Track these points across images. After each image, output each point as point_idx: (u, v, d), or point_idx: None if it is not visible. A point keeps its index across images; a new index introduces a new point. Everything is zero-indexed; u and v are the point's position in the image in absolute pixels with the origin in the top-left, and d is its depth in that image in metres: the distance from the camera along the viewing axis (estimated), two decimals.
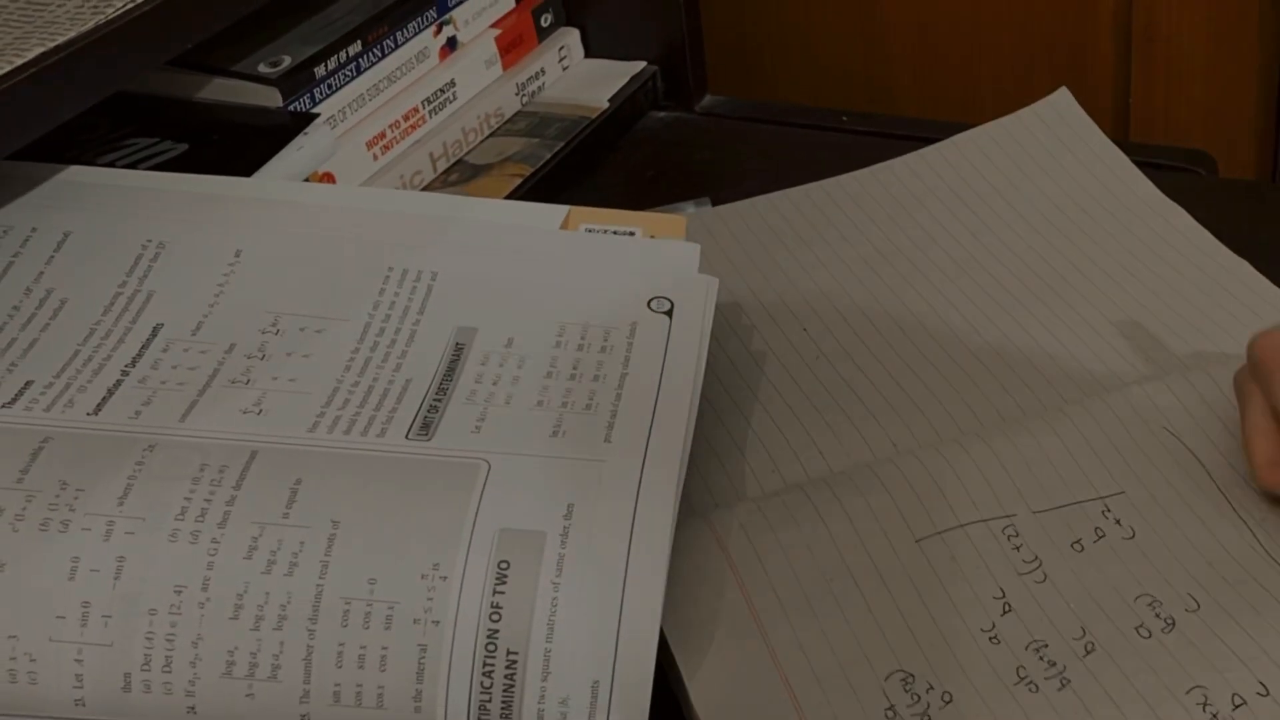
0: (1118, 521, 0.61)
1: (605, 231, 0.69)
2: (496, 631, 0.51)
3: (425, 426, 0.57)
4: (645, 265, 0.67)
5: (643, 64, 0.97)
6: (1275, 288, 0.74)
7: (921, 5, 1.13)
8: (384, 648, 0.51)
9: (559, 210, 0.69)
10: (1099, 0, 1.08)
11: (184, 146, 0.76)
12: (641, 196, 0.86)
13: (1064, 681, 0.55)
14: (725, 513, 0.63)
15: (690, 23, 0.96)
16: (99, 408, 0.57)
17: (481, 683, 0.51)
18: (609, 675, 0.51)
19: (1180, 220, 0.80)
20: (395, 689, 0.51)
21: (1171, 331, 0.72)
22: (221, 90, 0.80)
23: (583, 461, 0.56)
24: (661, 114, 0.97)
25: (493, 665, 0.51)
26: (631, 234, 0.69)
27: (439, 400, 0.59)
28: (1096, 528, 0.60)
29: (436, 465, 0.55)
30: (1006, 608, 0.58)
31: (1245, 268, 0.75)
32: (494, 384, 0.60)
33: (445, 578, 0.52)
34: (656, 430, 0.58)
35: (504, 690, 0.51)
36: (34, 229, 0.66)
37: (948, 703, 0.55)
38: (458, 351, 0.61)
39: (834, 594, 0.59)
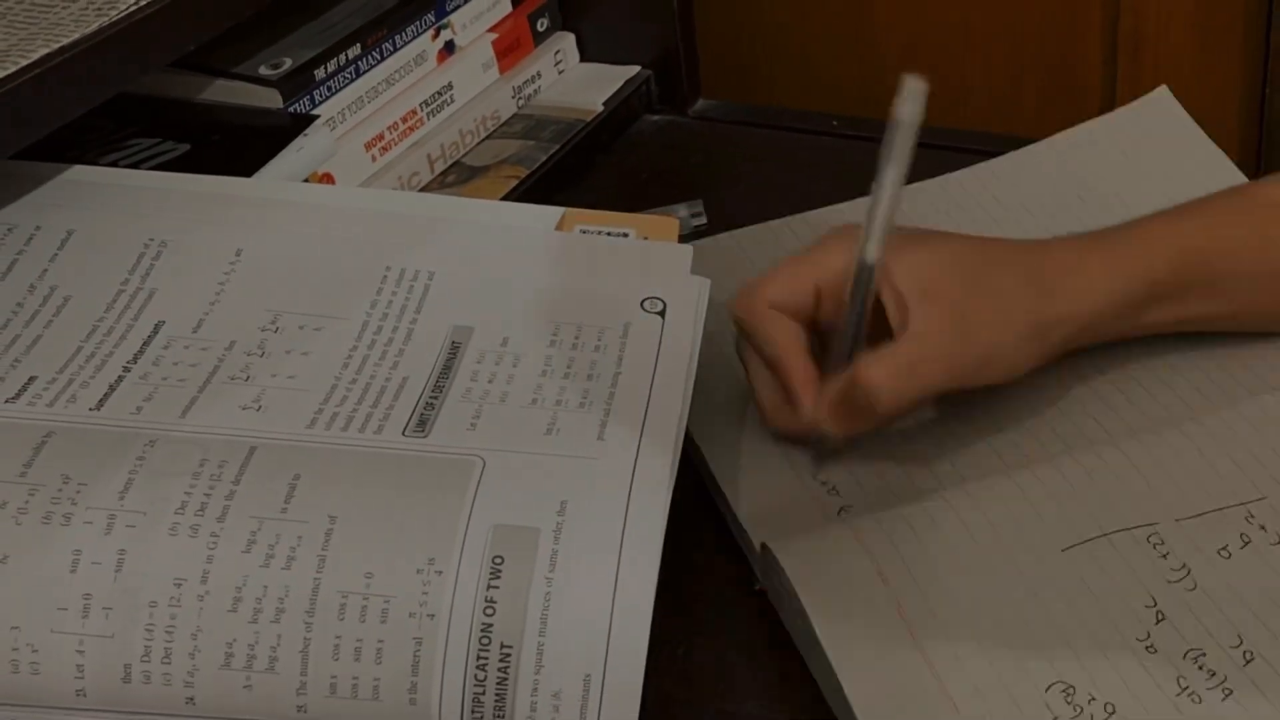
0: (1263, 527, 0.59)
1: (599, 233, 0.69)
2: (490, 626, 0.51)
3: (421, 423, 0.57)
4: (639, 266, 0.67)
5: (637, 68, 0.98)
6: None
7: (912, 11, 1.13)
8: (380, 641, 0.51)
9: (554, 212, 0.70)
10: (1088, 6, 1.08)
11: (186, 147, 0.76)
12: (635, 199, 0.86)
13: (1227, 691, 0.54)
14: (870, 519, 0.62)
15: (684, 28, 0.96)
16: (101, 403, 0.57)
17: (476, 676, 0.51)
18: (600, 670, 0.51)
19: None
20: (391, 681, 0.51)
21: None
22: (223, 92, 0.80)
23: (576, 459, 0.56)
24: (655, 117, 0.98)
25: (486, 659, 0.51)
26: (625, 235, 0.69)
27: (435, 398, 0.59)
28: (1242, 534, 0.59)
29: (432, 462, 0.55)
30: (1159, 616, 0.56)
31: None
32: (489, 382, 0.60)
33: (440, 572, 0.51)
34: (649, 428, 0.58)
35: (497, 683, 0.51)
36: (38, 227, 0.66)
37: (1111, 714, 0.53)
38: (454, 350, 0.61)
39: (986, 604, 0.57)
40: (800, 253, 0.67)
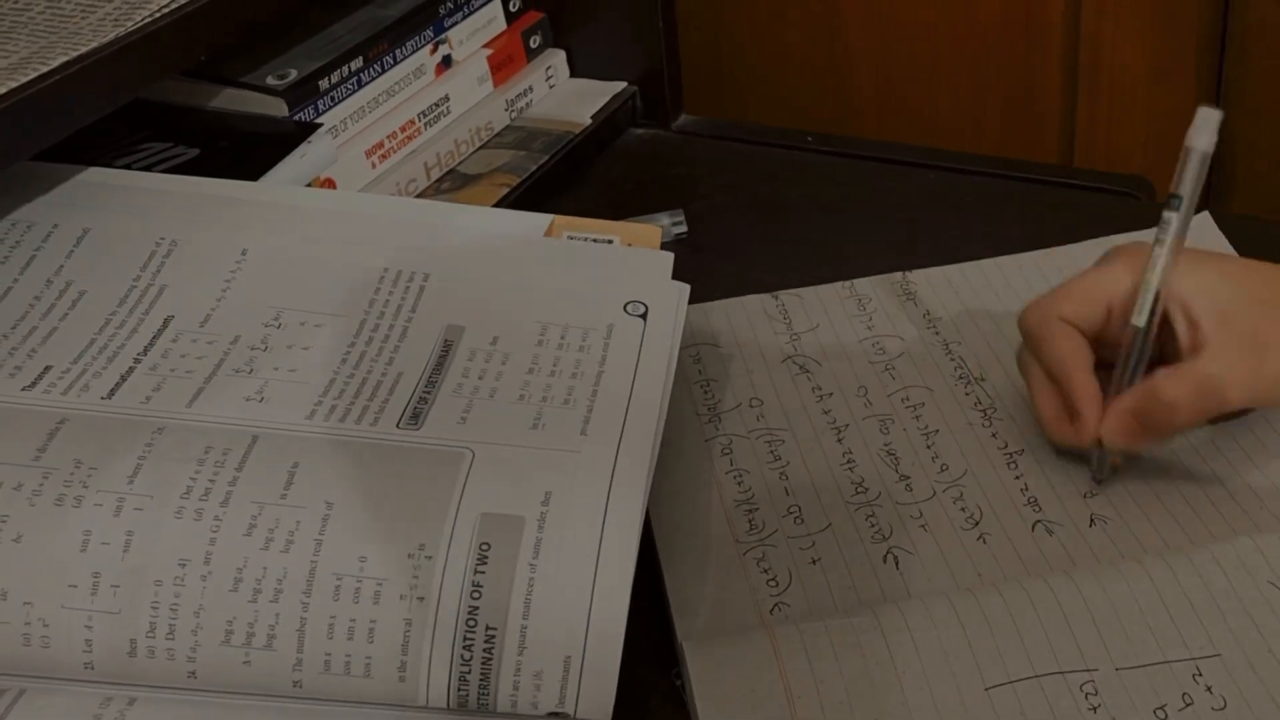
0: (1209, 689, 0.52)
1: (586, 239, 0.69)
2: (477, 609, 0.51)
3: (415, 416, 0.57)
4: (622, 272, 0.67)
5: (623, 84, 0.97)
6: None
7: (883, 34, 1.13)
8: (372, 621, 0.51)
9: (543, 219, 0.69)
10: (1049, 35, 1.08)
11: (196, 151, 0.76)
12: (619, 207, 0.86)
13: None
14: (793, 628, 0.56)
15: (669, 47, 0.96)
16: (112, 392, 0.57)
17: (462, 656, 0.51)
18: (580, 652, 0.51)
19: None
20: (381, 659, 0.51)
21: None
22: (232, 100, 0.80)
23: (560, 452, 0.56)
24: (640, 131, 0.97)
25: (473, 639, 0.51)
26: (610, 242, 0.69)
27: (428, 392, 0.59)
28: (1185, 694, 0.52)
29: (424, 453, 0.55)
30: None
31: None
32: (479, 378, 0.60)
33: (430, 558, 0.51)
34: (630, 425, 0.58)
35: (482, 663, 0.51)
36: (55, 225, 0.66)
37: None
38: (446, 347, 0.61)
39: None
40: (1089, 270, 0.64)
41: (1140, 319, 0.60)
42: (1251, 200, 1.07)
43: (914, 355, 0.72)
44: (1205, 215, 0.79)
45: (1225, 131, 1.04)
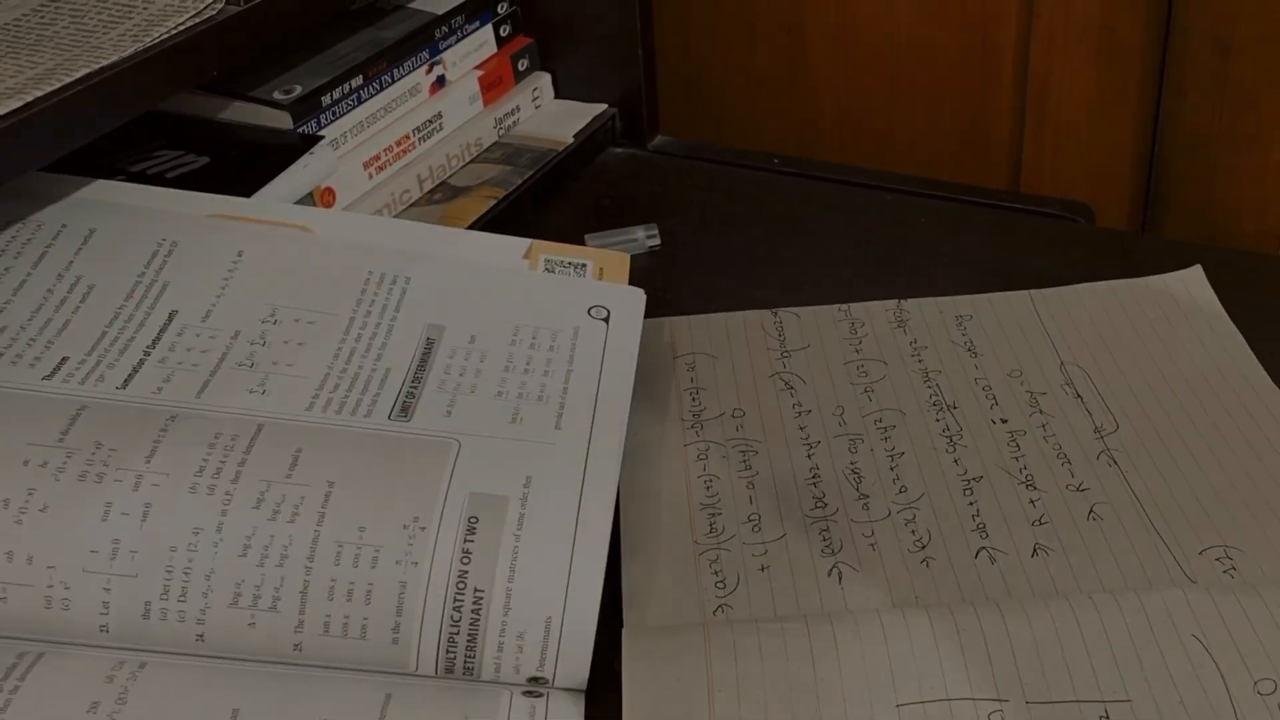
0: None
1: (563, 262, 0.69)
2: (466, 573, 0.52)
3: (404, 410, 0.58)
4: (585, 279, 0.68)
5: (604, 106, 0.97)
6: None
7: (846, 66, 1.13)
8: (369, 584, 0.51)
9: (522, 243, 0.70)
10: (1000, 70, 1.08)
11: (206, 159, 0.76)
12: (598, 221, 0.86)
13: None
14: (724, 628, 0.55)
15: (647, 72, 0.95)
16: (126, 383, 0.58)
17: (451, 617, 0.51)
18: (560, 614, 0.52)
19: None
20: (377, 621, 0.51)
21: (1240, 531, 0.60)
22: (240, 112, 0.80)
23: (538, 444, 0.57)
24: (618, 150, 0.97)
25: (461, 602, 0.51)
26: (584, 266, 0.69)
27: (415, 387, 0.60)
28: None
29: (416, 443, 0.56)
30: None
31: None
32: (460, 375, 0.61)
33: (424, 528, 0.52)
34: (599, 418, 0.59)
35: (470, 624, 0.51)
36: (64, 225, 0.66)
37: None
38: (429, 345, 0.62)
39: None
40: None
41: None
42: (1185, 227, 1.06)
43: (894, 380, 0.71)
44: (1197, 268, 0.77)
45: (1165, 162, 1.05)
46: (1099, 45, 1.04)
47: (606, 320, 0.65)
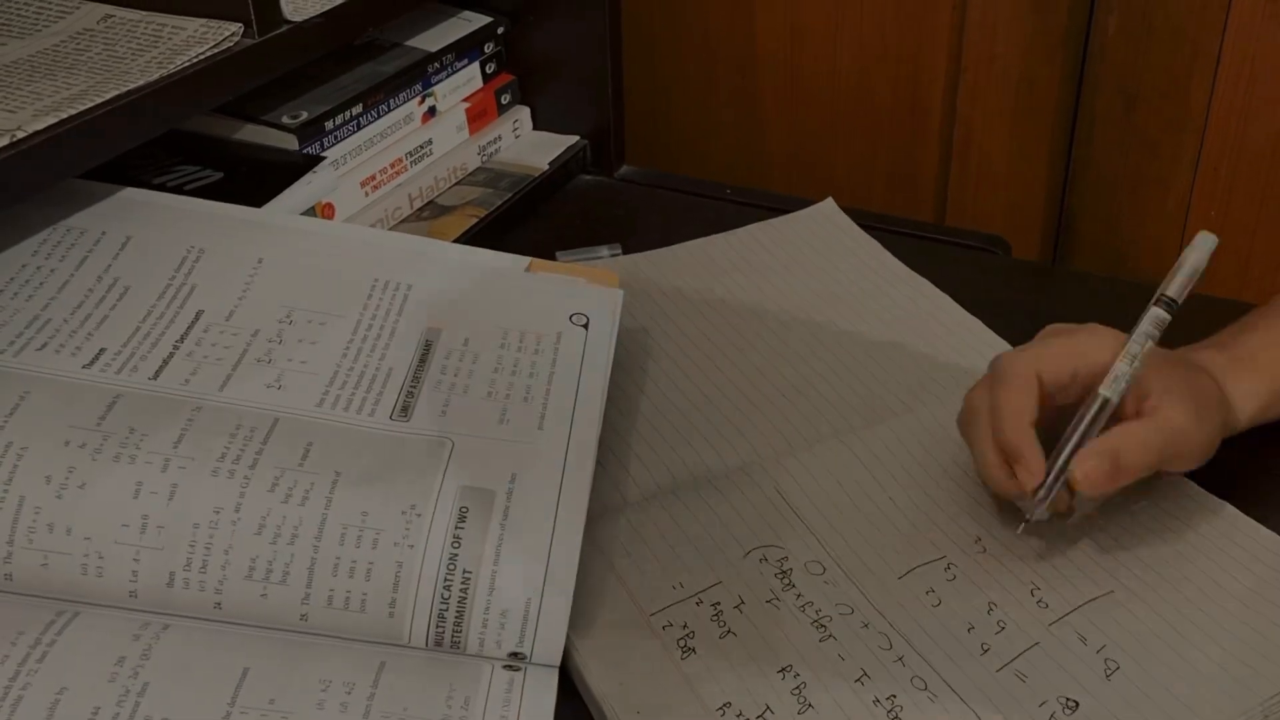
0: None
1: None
2: (456, 555, 0.53)
3: (405, 409, 0.59)
4: (568, 289, 0.68)
5: (576, 138, 0.98)
6: (998, 336, 0.74)
7: (793, 109, 1.14)
8: (370, 563, 0.52)
9: (522, 260, 0.70)
10: (929, 116, 1.09)
11: (220, 175, 0.76)
12: (569, 239, 0.87)
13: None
14: (610, 519, 0.60)
15: (615, 108, 0.97)
16: (157, 374, 0.58)
17: (442, 594, 0.52)
18: (539, 596, 0.53)
19: (926, 288, 0.80)
20: (375, 597, 0.52)
21: (912, 372, 0.71)
22: (252, 133, 0.80)
23: (522, 444, 0.58)
24: (588, 177, 0.98)
25: (451, 581, 0.52)
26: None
27: (414, 387, 0.60)
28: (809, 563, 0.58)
29: (414, 441, 0.57)
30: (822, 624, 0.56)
31: (975, 322, 0.75)
32: (455, 376, 0.61)
33: (420, 515, 0.53)
34: (577, 419, 0.59)
35: (459, 602, 0.52)
36: (104, 233, 0.66)
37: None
38: (427, 348, 0.62)
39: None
40: (1068, 336, 0.61)
41: (1112, 391, 0.58)
42: (1091, 260, 1.08)
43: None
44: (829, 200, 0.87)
45: (1075, 202, 1.04)
46: (1018, 96, 1.06)
47: (586, 327, 0.65)
